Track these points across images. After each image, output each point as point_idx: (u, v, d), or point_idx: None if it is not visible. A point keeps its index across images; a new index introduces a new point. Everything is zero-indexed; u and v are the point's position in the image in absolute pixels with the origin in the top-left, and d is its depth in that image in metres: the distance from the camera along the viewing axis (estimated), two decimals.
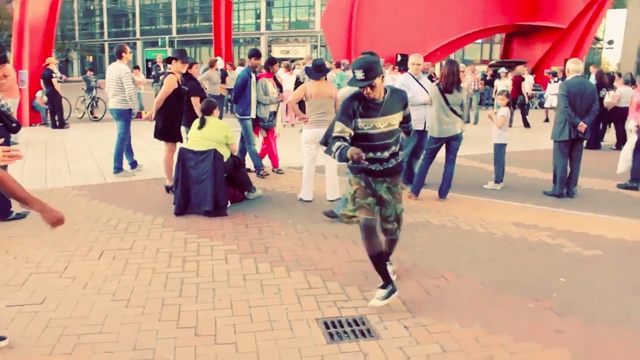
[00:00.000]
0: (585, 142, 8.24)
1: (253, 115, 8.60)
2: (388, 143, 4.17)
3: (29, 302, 4.16)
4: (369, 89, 3.99)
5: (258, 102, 8.56)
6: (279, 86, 9.21)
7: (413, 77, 7.82)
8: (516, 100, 17.25)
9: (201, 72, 15.10)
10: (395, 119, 4.19)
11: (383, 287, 4.10)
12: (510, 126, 16.41)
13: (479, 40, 41.39)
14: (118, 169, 8.69)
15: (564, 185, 7.80)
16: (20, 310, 4.02)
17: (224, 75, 16.47)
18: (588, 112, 7.63)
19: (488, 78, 19.04)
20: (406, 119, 4.40)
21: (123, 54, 8.66)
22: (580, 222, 6.51)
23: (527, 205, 7.26)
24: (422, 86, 7.72)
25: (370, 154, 4.09)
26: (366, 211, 4.12)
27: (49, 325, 3.80)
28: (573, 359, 3.45)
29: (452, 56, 28.70)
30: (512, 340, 3.67)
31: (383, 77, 4.10)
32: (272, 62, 9.25)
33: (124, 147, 8.78)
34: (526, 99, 17.82)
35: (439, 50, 27.24)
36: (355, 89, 4.09)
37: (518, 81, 17.56)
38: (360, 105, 4.06)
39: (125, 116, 8.62)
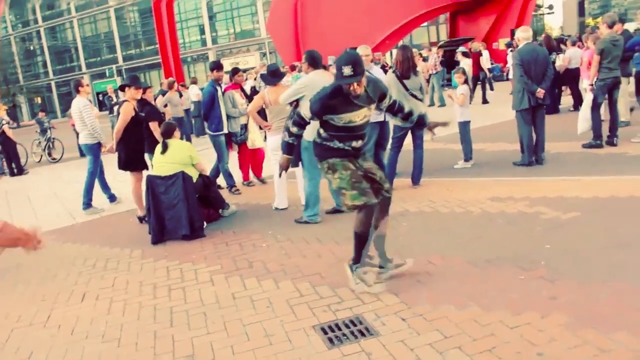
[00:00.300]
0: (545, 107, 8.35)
1: (226, 130, 8.42)
2: (363, 133, 4.29)
3: None
4: (355, 85, 3.96)
5: (228, 116, 8.41)
6: (247, 97, 9.06)
7: None
8: (478, 77, 17.48)
9: (160, 95, 14.98)
10: (371, 109, 4.23)
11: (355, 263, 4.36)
12: (470, 103, 16.67)
13: (425, 24, 41.82)
14: (87, 204, 8.49)
15: (532, 153, 7.88)
16: None
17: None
18: (544, 78, 7.73)
19: (440, 60, 19.18)
20: (395, 107, 4.43)
21: (80, 88, 8.57)
22: (554, 187, 6.59)
23: (500, 179, 7.32)
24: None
25: (347, 143, 4.20)
26: (370, 194, 4.16)
27: None
28: (572, 322, 3.46)
29: (401, 42, 28.88)
30: (510, 315, 3.67)
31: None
32: (235, 72, 9.12)
33: (94, 182, 8.58)
34: (488, 74, 18.05)
35: (387, 38, 27.42)
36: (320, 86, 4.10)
37: (477, 58, 17.77)
38: (336, 101, 4.05)
39: (93, 150, 8.43)
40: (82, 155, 16.55)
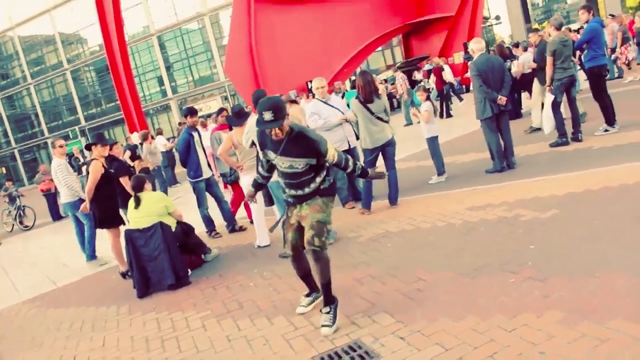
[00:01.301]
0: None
1: (206, 175, 8.33)
2: (302, 182, 4.24)
3: None
4: (277, 130, 3.99)
5: (216, 158, 8.28)
6: None
7: (321, 101, 7.81)
8: (443, 91, 17.83)
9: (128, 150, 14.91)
10: (298, 164, 4.13)
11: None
12: (436, 116, 16.93)
13: (379, 48, 42.53)
14: (91, 256, 8.68)
15: (503, 159, 8.02)
16: None
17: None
18: (502, 85, 7.92)
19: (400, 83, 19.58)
20: (337, 165, 4.30)
21: (53, 150, 8.89)
22: (529, 189, 6.69)
23: (476, 188, 7.41)
24: (333, 107, 7.74)
25: (287, 190, 4.35)
26: (289, 247, 4.53)
27: None
28: (568, 317, 3.50)
29: (359, 69, 29.30)
30: (505, 319, 3.69)
31: (288, 115, 4.13)
32: (220, 112, 9.21)
33: (93, 233, 8.59)
34: (455, 85, 18.45)
35: (345, 67, 27.78)
36: None
37: (439, 73, 18.14)
38: (267, 137, 4.18)
39: (77, 207, 8.42)
40: (55, 219, 16.38)
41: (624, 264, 4.04)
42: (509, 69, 12.59)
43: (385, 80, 25.38)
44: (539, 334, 3.40)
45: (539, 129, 10.33)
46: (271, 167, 4.50)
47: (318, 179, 4.24)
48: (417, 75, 17.88)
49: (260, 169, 4.64)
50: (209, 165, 8.59)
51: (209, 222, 8.48)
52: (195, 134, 8.37)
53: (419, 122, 9.04)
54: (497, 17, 56.13)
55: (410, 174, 9.38)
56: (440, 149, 8.56)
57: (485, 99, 7.86)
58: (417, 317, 4.06)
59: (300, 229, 4.35)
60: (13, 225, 16.73)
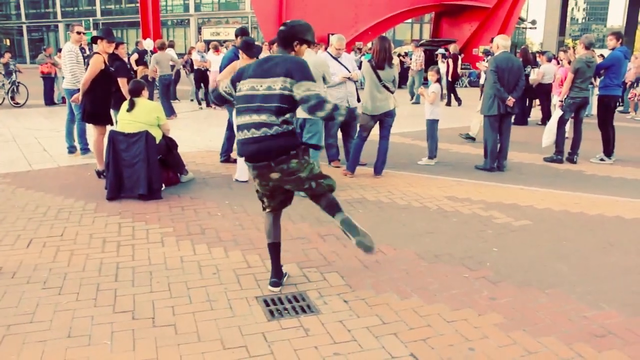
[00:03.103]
0: (513, 117, 8.53)
1: None
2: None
3: None
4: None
5: None
6: None
7: (332, 56, 7.69)
8: (456, 78, 17.68)
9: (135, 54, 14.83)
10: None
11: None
12: (449, 104, 16.86)
13: (409, 20, 41.95)
14: (84, 149, 8.70)
15: (495, 159, 8.04)
16: None
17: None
18: (515, 87, 7.88)
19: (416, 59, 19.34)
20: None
21: (70, 34, 8.75)
22: (511, 195, 6.74)
23: (460, 180, 7.45)
24: (341, 64, 7.66)
25: None
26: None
27: None
28: (506, 323, 3.58)
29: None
30: (448, 309, 3.77)
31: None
32: (272, 42, 8.87)
33: (84, 126, 8.52)
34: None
35: (370, 29, 27.40)
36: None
37: (456, 60, 17.95)
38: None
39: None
40: (48, 104, 16.26)
41: (578, 289, 4.10)
42: (528, 75, 12.54)
43: (406, 54, 25.07)
44: (475, 331, 3.48)
45: (473, 139, 10.46)
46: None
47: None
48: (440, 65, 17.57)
49: None
50: None
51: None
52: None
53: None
54: (534, 22, 55.36)
55: (403, 150, 9.39)
56: (438, 134, 8.56)
57: (495, 97, 7.82)
58: (366, 285, 4.13)
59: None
60: (4, 99, 16.53)
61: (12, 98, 16.30)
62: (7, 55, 17.27)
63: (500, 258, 4.73)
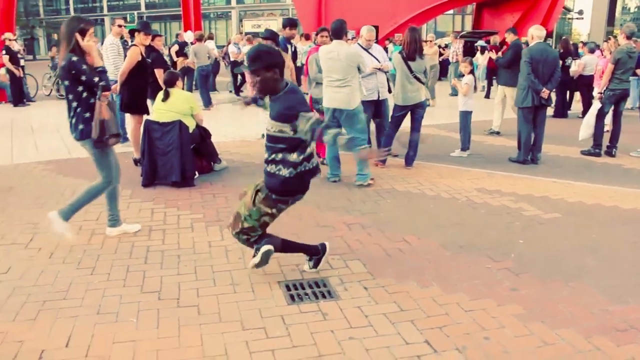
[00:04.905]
0: (548, 108, 8.39)
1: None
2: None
3: None
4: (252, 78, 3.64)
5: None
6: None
7: (363, 47, 7.59)
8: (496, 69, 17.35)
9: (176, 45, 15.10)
10: (280, 126, 3.61)
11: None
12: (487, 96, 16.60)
13: (450, 12, 41.40)
14: (123, 138, 8.69)
15: (529, 152, 7.94)
16: None
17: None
18: (550, 79, 7.74)
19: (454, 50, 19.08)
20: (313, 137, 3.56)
21: (112, 27, 9.13)
22: (542, 187, 6.66)
23: (492, 172, 7.39)
24: (372, 55, 7.59)
25: None
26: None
27: (13, 294, 3.82)
28: (525, 314, 3.58)
29: (424, 27, 28.58)
30: (467, 299, 3.79)
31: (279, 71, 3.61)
32: (320, 32, 7.89)
33: (122, 116, 8.68)
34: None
35: (410, 21, 27.13)
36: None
37: (497, 51, 17.63)
38: None
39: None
40: None
41: (603, 283, 4.06)
42: (569, 67, 12.29)
43: (446, 46, 24.79)
44: (492, 321, 3.50)
45: (498, 133, 10.26)
46: None
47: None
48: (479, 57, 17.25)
49: None
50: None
51: None
52: (289, 47, 8.07)
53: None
54: (580, 12, 53.96)
55: (436, 142, 9.34)
56: (472, 125, 8.49)
57: (529, 88, 7.71)
58: (387, 273, 4.18)
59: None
60: (51, 90, 17.08)
61: (58, 90, 16.80)
62: (55, 49, 17.80)
63: (526, 250, 4.71)
